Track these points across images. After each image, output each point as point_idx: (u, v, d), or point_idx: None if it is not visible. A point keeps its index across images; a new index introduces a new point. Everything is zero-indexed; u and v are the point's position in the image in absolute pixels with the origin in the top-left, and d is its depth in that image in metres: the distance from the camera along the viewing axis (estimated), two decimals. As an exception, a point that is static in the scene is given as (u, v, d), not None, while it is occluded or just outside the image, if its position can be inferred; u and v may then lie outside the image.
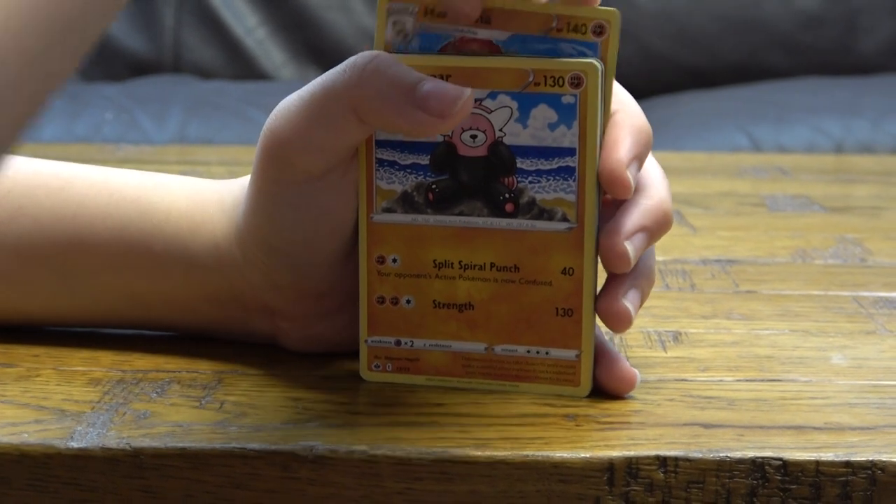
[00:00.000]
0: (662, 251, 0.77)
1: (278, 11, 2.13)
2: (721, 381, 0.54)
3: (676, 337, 0.60)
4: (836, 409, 0.51)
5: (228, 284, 0.55)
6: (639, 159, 0.51)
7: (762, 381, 0.54)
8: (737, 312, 0.64)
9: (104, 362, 0.55)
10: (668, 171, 1.08)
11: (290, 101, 0.50)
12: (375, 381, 0.53)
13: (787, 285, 0.70)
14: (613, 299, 0.51)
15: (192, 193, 0.56)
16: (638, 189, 0.52)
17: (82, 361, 0.55)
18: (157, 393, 0.52)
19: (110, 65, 2.10)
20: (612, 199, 0.52)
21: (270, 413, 0.50)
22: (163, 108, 1.80)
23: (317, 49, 2.13)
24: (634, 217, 0.51)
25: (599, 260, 0.51)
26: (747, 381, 0.54)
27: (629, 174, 0.50)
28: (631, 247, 0.50)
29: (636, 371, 0.52)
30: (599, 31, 0.50)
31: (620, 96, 0.52)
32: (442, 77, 0.50)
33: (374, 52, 0.49)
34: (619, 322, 0.51)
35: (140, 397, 0.52)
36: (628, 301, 0.51)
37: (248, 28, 2.12)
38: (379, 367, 0.53)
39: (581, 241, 0.51)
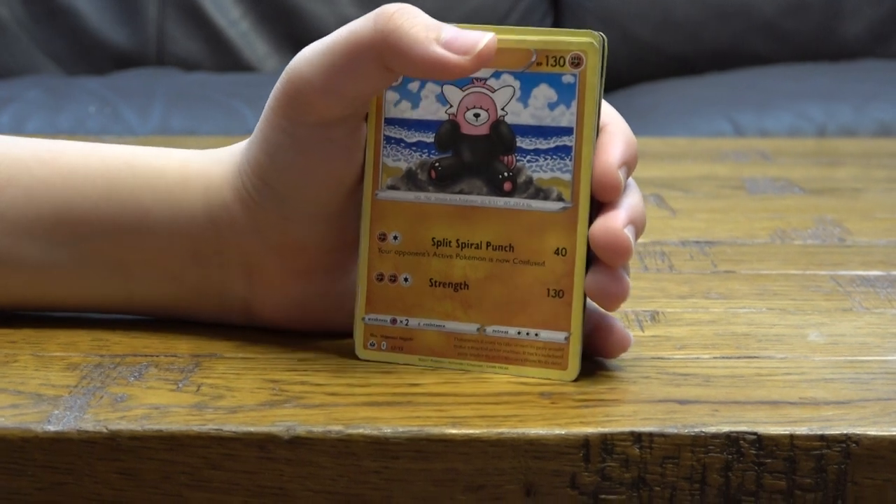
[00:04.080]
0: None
1: (261, 3, 2.12)
2: (697, 358, 0.54)
3: (654, 316, 0.60)
4: (812, 384, 0.52)
5: (215, 235, 0.55)
6: (628, 166, 0.52)
7: (738, 358, 0.55)
8: (714, 292, 0.65)
9: (82, 347, 0.55)
10: (651, 156, 1.09)
11: (315, 47, 0.51)
12: (370, 360, 0.54)
13: (766, 265, 0.70)
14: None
15: (184, 154, 0.57)
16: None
17: (60, 347, 0.56)
18: (134, 377, 0.52)
19: (93, 58, 2.10)
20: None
21: (247, 395, 0.50)
22: (146, 101, 1.80)
23: (300, 40, 2.13)
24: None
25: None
26: (723, 358, 0.54)
27: (620, 176, 0.50)
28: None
29: (630, 333, 0.53)
30: (577, 62, 0.51)
31: (608, 111, 0.53)
32: None
33: (399, 3, 0.51)
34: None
35: (117, 381, 0.52)
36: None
37: (231, 20, 2.12)
38: (374, 345, 0.54)
39: (575, 222, 0.51)
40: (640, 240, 0.75)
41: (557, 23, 2.18)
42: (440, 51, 0.49)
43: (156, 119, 1.77)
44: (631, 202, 0.51)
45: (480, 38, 0.50)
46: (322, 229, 0.54)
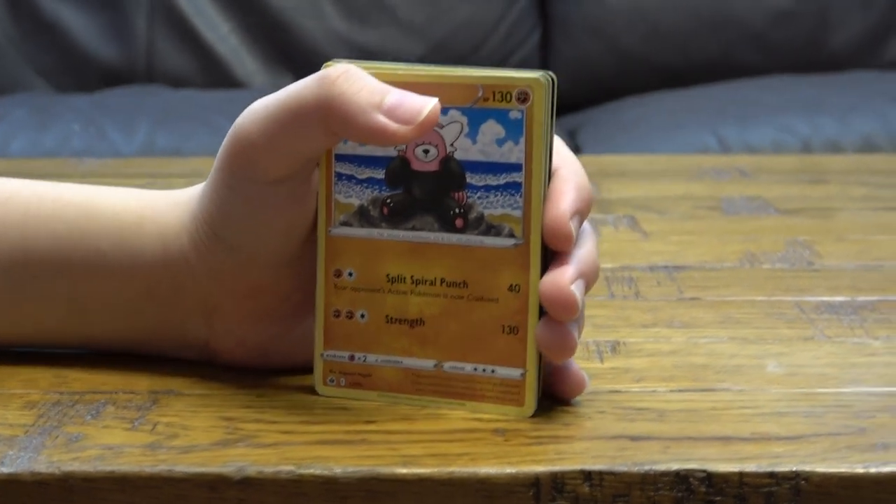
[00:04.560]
0: (610, 258, 0.77)
1: (251, 18, 2.13)
2: (654, 391, 0.55)
3: (614, 347, 0.60)
4: (765, 418, 0.52)
5: (171, 278, 0.55)
6: (580, 215, 0.52)
7: (695, 391, 0.55)
8: (678, 320, 0.65)
9: (42, 384, 0.56)
10: (630, 175, 1.09)
11: (261, 105, 0.52)
12: (330, 396, 0.54)
13: (732, 291, 0.70)
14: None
15: (142, 195, 0.58)
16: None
17: (20, 384, 0.56)
18: (91, 415, 0.52)
19: (82, 75, 2.10)
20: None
21: (202, 434, 0.50)
22: (131, 119, 1.80)
23: (290, 56, 2.13)
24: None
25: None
26: (680, 391, 0.55)
27: (571, 226, 0.50)
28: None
29: (585, 375, 0.53)
30: (524, 98, 0.51)
31: (563, 154, 0.53)
32: None
33: (345, 65, 0.51)
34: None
35: (74, 420, 0.52)
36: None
37: (220, 35, 2.12)
38: (333, 381, 0.54)
39: (527, 258, 0.51)
40: (609, 264, 0.75)
41: (546, 35, 2.18)
42: (382, 120, 0.49)
43: (141, 138, 1.77)
44: (582, 254, 0.51)
45: (423, 106, 0.49)
46: (278, 274, 0.54)
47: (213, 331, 0.56)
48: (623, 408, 0.53)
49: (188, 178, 1.07)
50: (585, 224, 0.53)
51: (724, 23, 2.09)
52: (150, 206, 0.57)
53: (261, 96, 0.53)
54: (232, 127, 0.52)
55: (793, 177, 1.08)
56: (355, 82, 0.50)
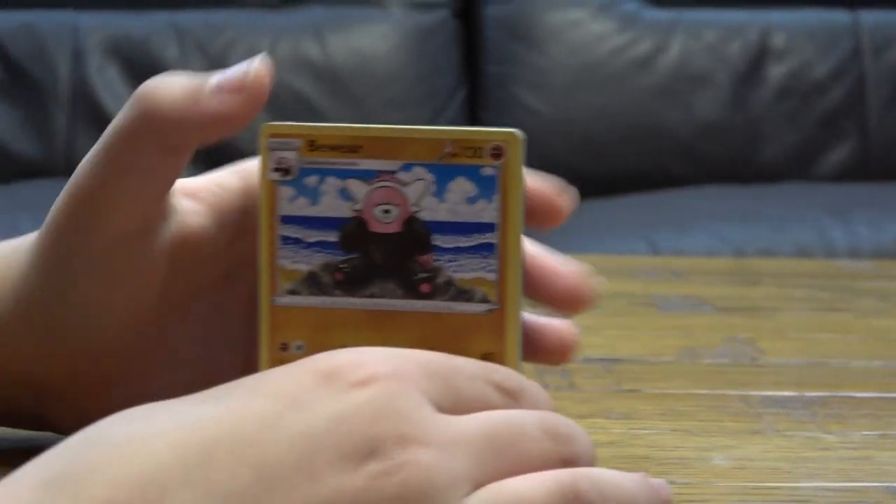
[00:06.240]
0: (543, 349, 0.72)
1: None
2: (592, 483, 0.50)
3: (548, 437, 0.55)
4: (715, 512, 0.47)
5: None
6: None
7: (637, 483, 0.50)
8: (616, 412, 0.60)
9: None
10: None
11: (89, 155, 0.46)
12: None
13: (672, 384, 0.66)
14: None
15: None
16: None
17: None
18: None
19: (-3, 168, 2.05)
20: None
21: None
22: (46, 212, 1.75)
23: (210, 156, 2.08)
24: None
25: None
26: (620, 483, 0.50)
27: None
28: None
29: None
30: (497, 153, 0.47)
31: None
32: (353, 149, 0.47)
33: (152, 79, 0.46)
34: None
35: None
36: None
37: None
38: None
39: (502, 324, 0.47)
40: (541, 356, 0.71)
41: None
42: (212, 102, 0.45)
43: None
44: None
45: (247, 65, 0.45)
46: (127, 336, 0.49)
47: (43, 407, 0.50)
48: (558, 499, 0.48)
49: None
50: None
51: (654, 135, 2.08)
52: None
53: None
54: (66, 186, 0.47)
55: (728, 278, 1.05)
56: (168, 84, 0.45)
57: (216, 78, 0.46)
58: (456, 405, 0.42)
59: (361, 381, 0.40)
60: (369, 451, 0.38)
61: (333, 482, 0.37)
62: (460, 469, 0.39)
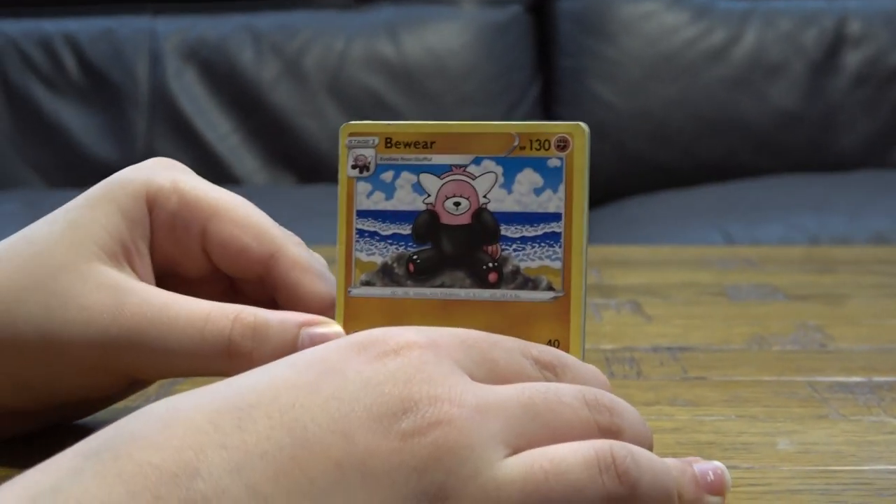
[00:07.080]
0: (611, 339, 0.73)
1: (251, 118, 2.11)
2: (655, 468, 0.50)
3: (613, 424, 0.56)
4: (777, 496, 0.47)
5: None
6: None
7: (700, 468, 0.50)
8: (682, 399, 0.60)
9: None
10: (632, 264, 1.05)
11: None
12: None
13: (739, 371, 0.66)
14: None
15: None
16: None
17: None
18: None
19: (79, 172, 2.08)
20: None
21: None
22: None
23: (289, 155, 2.11)
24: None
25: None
26: (683, 468, 0.50)
27: None
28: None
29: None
30: (563, 145, 0.48)
31: None
32: (426, 144, 0.49)
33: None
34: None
35: None
36: None
37: (220, 135, 2.10)
38: None
39: (567, 312, 0.48)
40: (609, 345, 0.71)
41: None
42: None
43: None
44: None
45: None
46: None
47: None
48: (621, 484, 0.48)
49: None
50: None
51: (729, 125, 2.07)
52: None
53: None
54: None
55: (801, 266, 1.05)
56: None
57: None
58: (491, 375, 0.42)
59: (395, 349, 0.41)
60: (402, 410, 0.39)
61: (366, 441, 0.38)
62: (494, 431, 0.40)
